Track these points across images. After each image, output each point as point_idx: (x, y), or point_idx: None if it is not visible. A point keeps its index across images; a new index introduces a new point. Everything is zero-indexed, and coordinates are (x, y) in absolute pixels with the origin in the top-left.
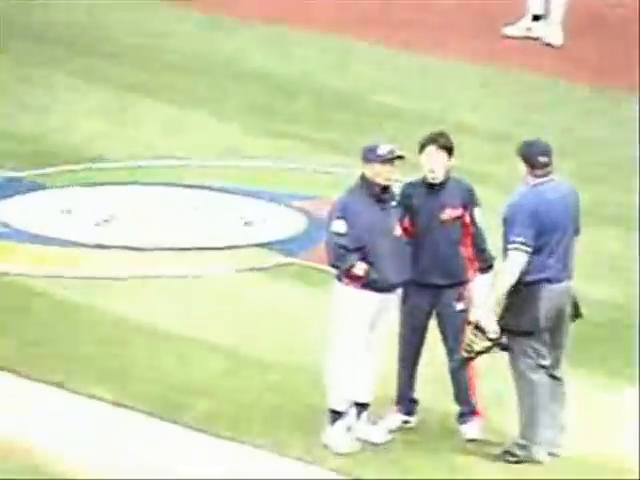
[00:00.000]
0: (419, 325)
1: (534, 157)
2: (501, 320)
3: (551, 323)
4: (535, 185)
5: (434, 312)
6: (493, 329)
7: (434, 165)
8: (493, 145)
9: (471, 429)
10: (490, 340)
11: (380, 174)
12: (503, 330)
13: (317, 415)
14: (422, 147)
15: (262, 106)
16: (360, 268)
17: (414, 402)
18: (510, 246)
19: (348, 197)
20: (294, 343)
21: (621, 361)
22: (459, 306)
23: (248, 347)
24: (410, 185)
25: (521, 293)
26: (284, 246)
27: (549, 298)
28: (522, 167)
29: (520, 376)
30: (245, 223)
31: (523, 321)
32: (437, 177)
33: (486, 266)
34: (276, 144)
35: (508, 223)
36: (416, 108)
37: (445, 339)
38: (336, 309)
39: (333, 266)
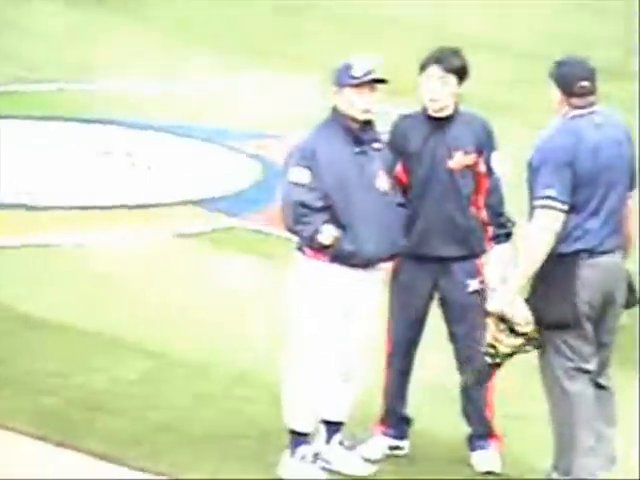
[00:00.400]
0: (415, 313)
1: (572, 81)
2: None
3: (595, 312)
4: (573, 118)
5: (437, 295)
6: (524, 319)
7: (438, 93)
8: (518, 66)
9: (486, 458)
10: (520, 335)
11: (355, 103)
12: None
13: (271, 438)
14: (423, 67)
15: (200, 10)
16: (328, 235)
17: (406, 420)
18: (538, 202)
19: (315, 137)
20: (238, 338)
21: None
22: (473, 285)
23: (174, 345)
24: (405, 119)
25: (552, 269)
26: (227, 204)
27: (591, 276)
28: (556, 94)
29: (552, 384)
30: (172, 172)
31: (555, 308)
32: (442, 109)
33: (504, 233)
34: (220, 60)
35: (535, 171)
36: (413, 16)
37: (452, 332)
38: (296, 290)
39: (291, 231)
